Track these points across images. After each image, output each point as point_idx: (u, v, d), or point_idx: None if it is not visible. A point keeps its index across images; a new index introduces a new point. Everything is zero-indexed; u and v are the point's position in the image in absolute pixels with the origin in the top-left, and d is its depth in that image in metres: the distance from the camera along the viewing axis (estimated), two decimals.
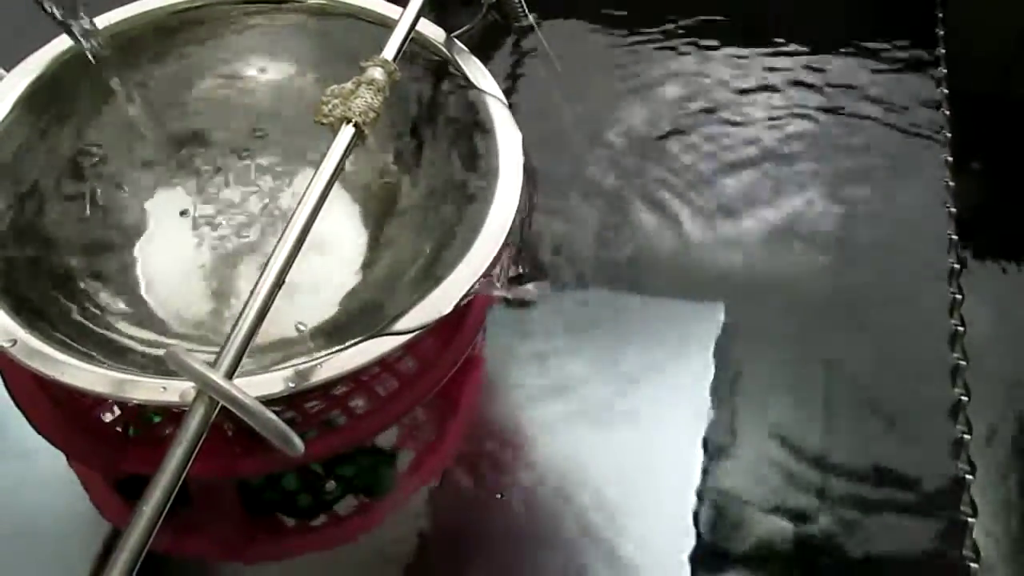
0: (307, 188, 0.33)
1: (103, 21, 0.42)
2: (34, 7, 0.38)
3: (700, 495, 0.44)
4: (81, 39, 0.38)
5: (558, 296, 0.51)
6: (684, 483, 0.44)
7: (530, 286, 0.46)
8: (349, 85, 0.36)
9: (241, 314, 0.29)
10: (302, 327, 0.38)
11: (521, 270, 0.38)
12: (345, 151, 0.34)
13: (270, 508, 0.43)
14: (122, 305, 0.37)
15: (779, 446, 0.46)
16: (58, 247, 0.38)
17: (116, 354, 0.34)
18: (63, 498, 0.43)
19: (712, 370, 0.49)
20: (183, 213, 0.42)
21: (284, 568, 0.43)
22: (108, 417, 0.40)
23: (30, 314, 0.33)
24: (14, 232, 0.37)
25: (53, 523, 0.43)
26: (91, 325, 0.35)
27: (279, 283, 0.30)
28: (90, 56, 0.39)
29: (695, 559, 0.42)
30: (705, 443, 0.46)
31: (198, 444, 0.26)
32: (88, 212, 0.40)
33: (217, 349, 0.28)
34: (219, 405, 0.27)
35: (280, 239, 0.31)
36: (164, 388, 0.31)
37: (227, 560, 0.43)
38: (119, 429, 0.40)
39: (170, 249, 0.41)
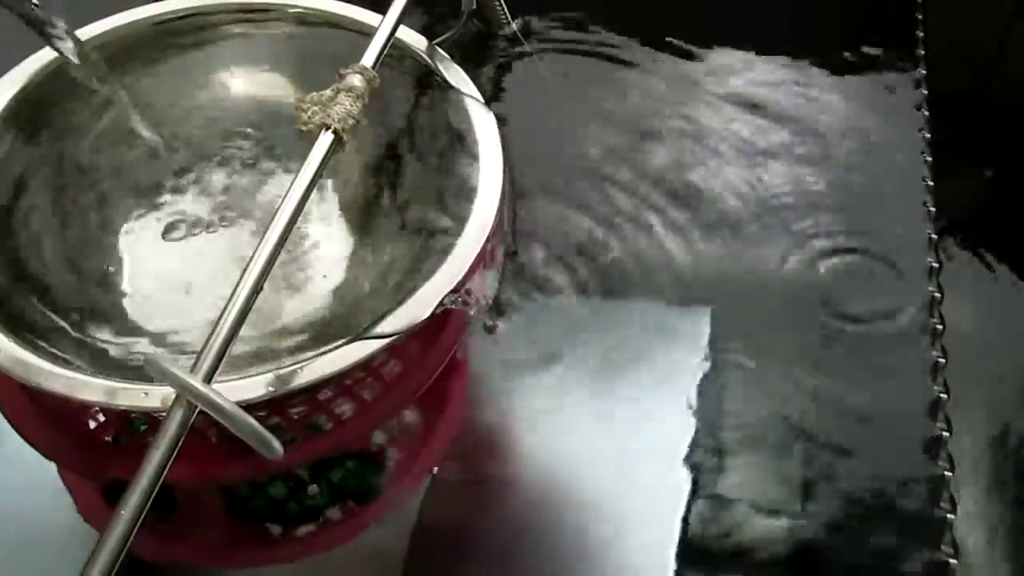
0: (285, 195, 0.33)
1: (88, 32, 0.43)
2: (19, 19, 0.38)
3: (689, 495, 0.44)
4: (62, 48, 0.38)
5: (545, 301, 0.52)
6: (673, 484, 0.45)
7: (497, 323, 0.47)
8: (328, 92, 0.37)
9: (219, 319, 0.29)
10: (282, 329, 0.38)
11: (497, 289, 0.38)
12: (324, 158, 0.35)
13: (257, 514, 0.44)
14: (105, 312, 0.38)
15: (764, 447, 0.46)
16: (41, 254, 0.38)
17: (99, 360, 0.34)
18: (51, 505, 0.43)
19: (699, 373, 0.49)
20: (167, 221, 0.42)
21: (274, 570, 0.43)
22: (93, 424, 0.40)
23: (12, 321, 0.34)
24: None
25: (41, 529, 0.43)
26: (73, 331, 0.35)
27: (257, 289, 0.31)
28: (73, 60, 0.39)
29: (683, 558, 0.42)
30: (693, 444, 0.46)
31: (176, 448, 0.26)
32: (72, 220, 0.40)
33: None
34: (197, 409, 0.27)
35: (258, 245, 0.31)
36: (146, 394, 0.31)
37: (214, 566, 0.44)
38: (106, 436, 0.40)
39: (154, 256, 0.41)
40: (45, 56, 0.41)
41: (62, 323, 0.36)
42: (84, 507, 0.43)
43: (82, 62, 0.39)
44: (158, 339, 0.37)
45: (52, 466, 0.42)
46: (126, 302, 0.38)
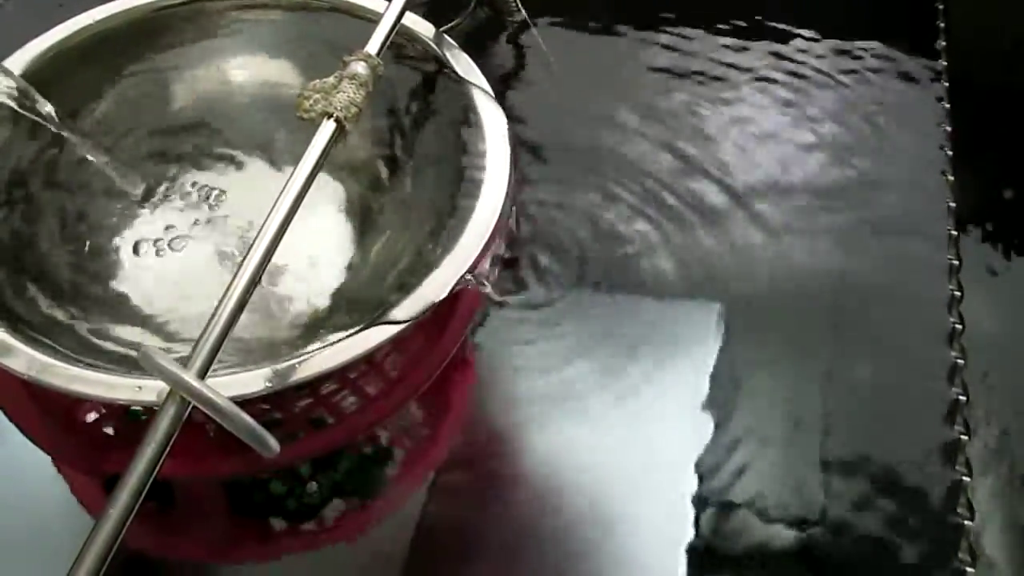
0: (286, 183, 0.32)
1: (87, 19, 0.42)
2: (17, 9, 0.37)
3: (697, 496, 0.43)
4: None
5: (552, 295, 0.51)
6: (681, 485, 0.44)
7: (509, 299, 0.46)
8: (331, 79, 0.36)
9: (215, 312, 0.29)
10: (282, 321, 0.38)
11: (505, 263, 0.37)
12: (326, 146, 0.34)
13: (259, 510, 0.43)
14: (103, 305, 0.37)
15: (776, 447, 0.45)
16: (39, 249, 0.38)
17: (95, 354, 0.34)
18: (51, 495, 0.43)
19: (709, 370, 0.48)
20: (166, 213, 0.42)
21: (275, 570, 0.42)
22: (91, 417, 0.40)
23: (7, 314, 0.33)
24: None
25: (41, 521, 0.43)
26: (69, 324, 0.35)
27: (255, 281, 0.30)
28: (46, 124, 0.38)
29: (692, 560, 0.42)
30: (701, 444, 0.45)
31: (168, 444, 0.26)
32: (69, 215, 0.40)
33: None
34: (191, 405, 0.27)
35: (257, 236, 0.31)
36: (139, 388, 0.30)
37: (214, 562, 0.43)
38: (105, 430, 0.40)
39: (153, 249, 0.40)
40: (42, 43, 0.41)
41: (59, 317, 0.35)
42: (83, 497, 0.43)
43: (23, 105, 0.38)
44: (155, 332, 0.36)
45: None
46: (124, 295, 0.38)
